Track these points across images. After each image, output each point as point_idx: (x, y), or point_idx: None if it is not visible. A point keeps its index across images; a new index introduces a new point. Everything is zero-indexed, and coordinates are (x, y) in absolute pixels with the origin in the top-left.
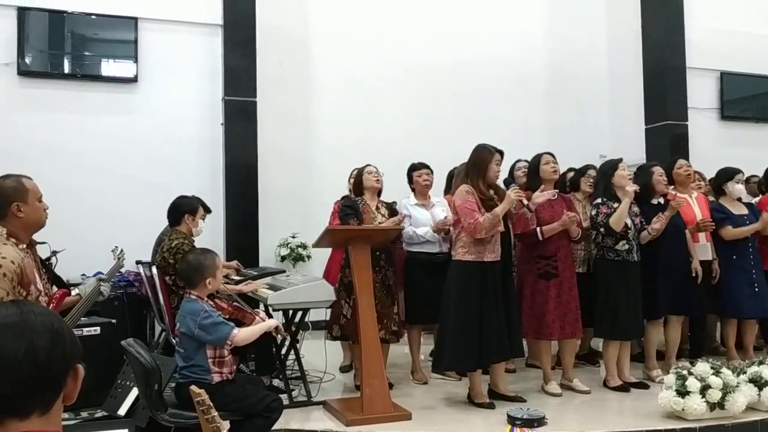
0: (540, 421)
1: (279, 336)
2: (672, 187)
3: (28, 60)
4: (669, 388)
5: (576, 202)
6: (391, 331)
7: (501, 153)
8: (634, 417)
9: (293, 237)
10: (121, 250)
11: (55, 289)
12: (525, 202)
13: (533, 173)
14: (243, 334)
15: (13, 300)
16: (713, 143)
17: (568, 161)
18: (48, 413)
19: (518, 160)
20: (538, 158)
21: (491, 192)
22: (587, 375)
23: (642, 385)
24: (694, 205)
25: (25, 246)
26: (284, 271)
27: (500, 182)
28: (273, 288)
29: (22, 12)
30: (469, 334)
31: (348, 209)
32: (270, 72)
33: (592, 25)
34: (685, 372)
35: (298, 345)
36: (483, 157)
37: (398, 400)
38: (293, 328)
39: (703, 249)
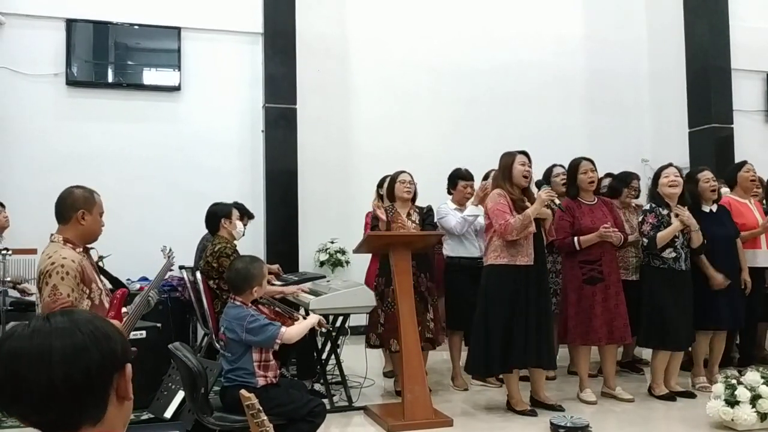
0: (584, 430)
1: (323, 329)
2: (729, 191)
3: (74, 70)
4: (718, 398)
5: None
6: (425, 338)
7: (524, 153)
8: (681, 426)
9: (332, 242)
10: (170, 249)
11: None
12: (557, 202)
13: (571, 180)
14: (291, 332)
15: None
16: (760, 146)
17: (609, 165)
18: (101, 421)
19: (554, 165)
20: (576, 165)
21: (520, 193)
22: (631, 383)
23: (688, 395)
24: (755, 211)
25: (81, 250)
26: (324, 277)
27: (533, 185)
28: (314, 293)
29: (70, 24)
30: (494, 339)
31: (377, 219)
32: (309, 80)
33: (632, 26)
34: (734, 381)
35: (338, 350)
36: (505, 161)
37: (439, 406)
38: (334, 334)
39: (763, 256)
